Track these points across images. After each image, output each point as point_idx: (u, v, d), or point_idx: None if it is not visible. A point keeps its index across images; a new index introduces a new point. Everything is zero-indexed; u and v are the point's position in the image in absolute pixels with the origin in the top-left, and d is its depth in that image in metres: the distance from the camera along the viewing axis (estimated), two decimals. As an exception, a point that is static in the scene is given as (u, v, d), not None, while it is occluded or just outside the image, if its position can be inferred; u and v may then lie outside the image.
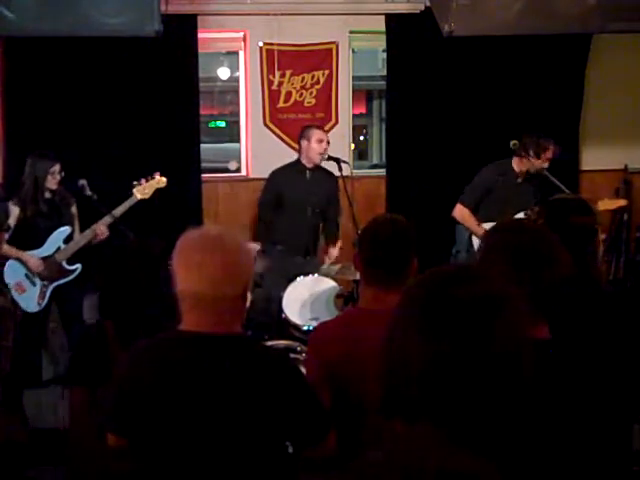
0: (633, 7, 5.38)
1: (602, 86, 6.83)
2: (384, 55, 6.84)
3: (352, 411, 2.29)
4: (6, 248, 4.75)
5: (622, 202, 5.85)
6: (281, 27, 6.32)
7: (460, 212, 5.20)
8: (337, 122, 6.60)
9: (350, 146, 6.78)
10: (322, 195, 5.30)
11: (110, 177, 5.72)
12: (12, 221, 4.82)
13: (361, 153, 12.50)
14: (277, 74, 6.42)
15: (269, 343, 3.92)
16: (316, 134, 5.25)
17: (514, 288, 1.27)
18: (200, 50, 6.24)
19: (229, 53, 7.64)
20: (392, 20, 6.46)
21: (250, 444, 1.97)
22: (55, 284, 5.01)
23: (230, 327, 2.02)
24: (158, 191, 5.10)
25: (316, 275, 4.78)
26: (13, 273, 4.93)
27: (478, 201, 5.20)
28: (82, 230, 5.12)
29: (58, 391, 4.31)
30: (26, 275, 4.95)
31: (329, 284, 4.68)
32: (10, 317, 3.53)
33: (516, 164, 5.24)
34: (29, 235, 4.93)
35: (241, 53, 6.65)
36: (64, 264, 5.03)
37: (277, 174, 5.39)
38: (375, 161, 12.00)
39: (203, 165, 6.44)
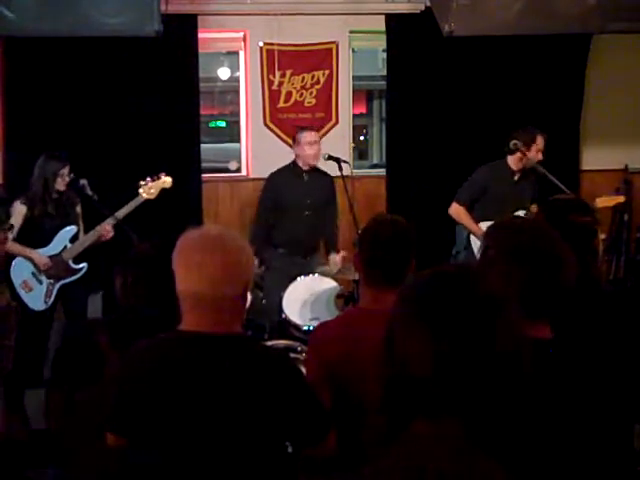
0: (633, 7, 5.38)
1: (602, 86, 6.83)
2: (384, 55, 6.84)
3: (352, 411, 2.29)
4: (13, 246, 4.77)
5: (620, 199, 5.85)
6: (281, 27, 6.32)
7: (456, 210, 5.22)
8: (337, 122, 6.60)
9: (350, 146, 6.78)
10: (320, 196, 5.30)
11: (110, 177, 5.73)
12: (19, 220, 4.84)
13: (361, 153, 12.50)
14: (277, 74, 6.42)
15: (269, 343, 3.93)
16: (306, 137, 5.20)
17: (507, 288, 1.28)
18: (200, 50, 6.25)
19: (229, 53, 7.65)
20: (392, 20, 6.46)
21: (250, 444, 1.97)
22: (61, 283, 5.04)
23: (230, 327, 2.02)
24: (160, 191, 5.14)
25: (316, 275, 4.78)
26: (20, 271, 4.95)
27: (474, 199, 5.20)
28: (85, 230, 5.15)
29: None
30: (33, 273, 4.98)
31: (329, 284, 4.68)
32: (13, 316, 3.53)
33: (512, 162, 5.25)
34: (36, 234, 4.96)
35: (241, 53, 6.65)
36: (70, 263, 5.06)
37: (274, 177, 5.37)
38: (375, 161, 12.01)
39: (203, 165, 6.44)
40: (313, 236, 5.38)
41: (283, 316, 4.51)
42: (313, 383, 2.21)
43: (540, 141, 5.17)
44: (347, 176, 5.00)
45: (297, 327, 4.41)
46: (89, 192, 5.00)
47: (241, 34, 6.54)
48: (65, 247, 5.04)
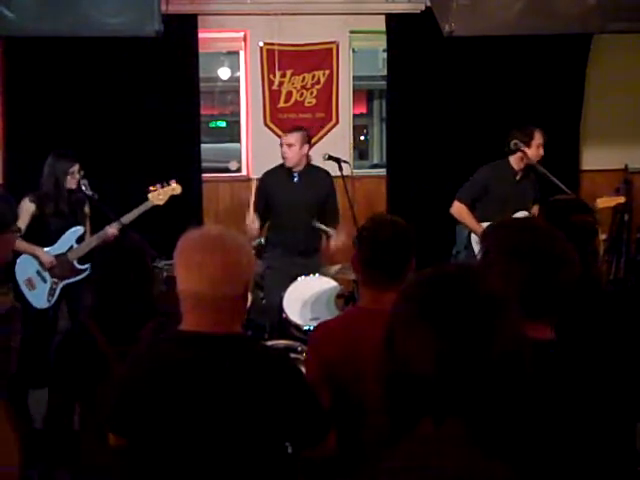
0: (633, 7, 5.38)
1: (602, 86, 6.83)
2: (384, 55, 6.85)
3: (352, 411, 2.29)
4: (19, 243, 4.76)
5: (621, 199, 5.86)
6: (281, 27, 6.33)
7: (458, 209, 5.21)
8: (337, 122, 6.60)
9: (350, 146, 6.78)
10: (314, 195, 5.15)
11: (111, 177, 5.73)
12: (26, 218, 4.81)
13: (361, 153, 12.51)
14: (277, 74, 6.43)
15: (269, 343, 3.93)
16: (283, 139, 5.12)
17: (507, 287, 1.28)
18: (200, 50, 6.25)
19: (230, 53, 7.66)
20: (392, 20, 6.47)
21: (249, 444, 1.97)
22: (65, 282, 5.05)
23: (230, 327, 2.02)
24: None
25: (317, 275, 4.78)
26: (24, 269, 4.96)
27: (475, 198, 5.20)
28: (91, 230, 5.17)
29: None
30: (37, 272, 4.98)
31: (330, 284, 4.68)
32: (18, 317, 3.53)
33: (513, 162, 5.25)
34: (42, 233, 4.96)
35: (241, 53, 6.66)
36: (75, 263, 5.06)
37: (265, 177, 5.30)
38: (375, 161, 12.02)
39: (204, 165, 6.45)
40: (312, 236, 5.36)
41: (283, 316, 4.51)
42: (313, 383, 2.21)
43: (538, 136, 5.17)
44: (347, 176, 4.99)
45: (297, 327, 4.41)
46: (89, 192, 5.00)
47: (241, 34, 6.54)
48: (71, 247, 5.05)
